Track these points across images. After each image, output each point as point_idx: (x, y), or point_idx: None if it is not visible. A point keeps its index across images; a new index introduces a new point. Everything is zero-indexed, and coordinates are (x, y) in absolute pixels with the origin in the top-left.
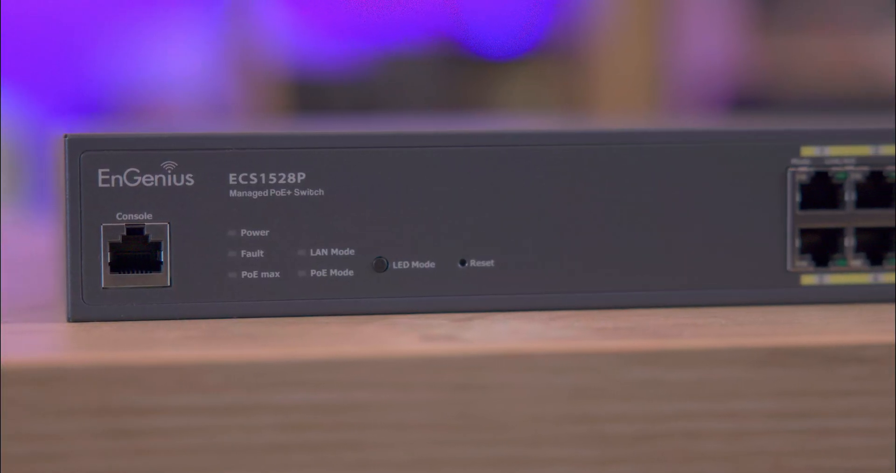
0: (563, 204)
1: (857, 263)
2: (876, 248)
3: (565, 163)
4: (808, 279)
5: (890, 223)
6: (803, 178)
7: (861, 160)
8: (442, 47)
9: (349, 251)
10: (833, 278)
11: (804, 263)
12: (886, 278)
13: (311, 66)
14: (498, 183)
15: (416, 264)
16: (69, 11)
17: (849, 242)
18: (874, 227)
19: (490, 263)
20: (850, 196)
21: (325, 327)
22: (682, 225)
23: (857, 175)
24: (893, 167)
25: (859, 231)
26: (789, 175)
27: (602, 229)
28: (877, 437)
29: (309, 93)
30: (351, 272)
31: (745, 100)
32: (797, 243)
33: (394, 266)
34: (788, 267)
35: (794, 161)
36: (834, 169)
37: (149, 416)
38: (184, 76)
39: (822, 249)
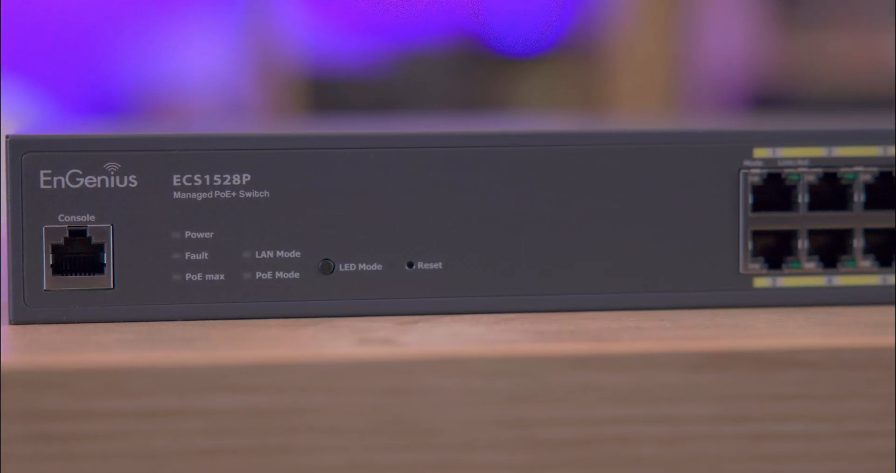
0: (513, 206)
1: (810, 265)
2: (830, 250)
3: (514, 164)
4: (761, 282)
5: (844, 225)
6: (755, 179)
7: (814, 162)
8: (461, 45)
9: (295, 253)
10: (786, 281)
11: (757, 265)
12: (841, 280)
13: (329, 64)
14: (446, 185)
15: (363, 266)
16: (87, 10)
17: (802, 244)
18: (828, 229)
19: (438, 265)
20: (802, 198)
21: (265, 330)
22: (634, 227)
23: (811, 177)
24: (848, 169)
25: (813, 233)
26: (741, 177)
27: (552, 231)
28: (815, 442)
29: (327, 91)
30: (297, 275)
31: (764, 98)
32: (749, 245)
33: (340, 268)
34: (741, 270)
35: (747, 163)
36: (787, 171)
37: (77, 421)
38: (202, 75)
39: (776, 251)
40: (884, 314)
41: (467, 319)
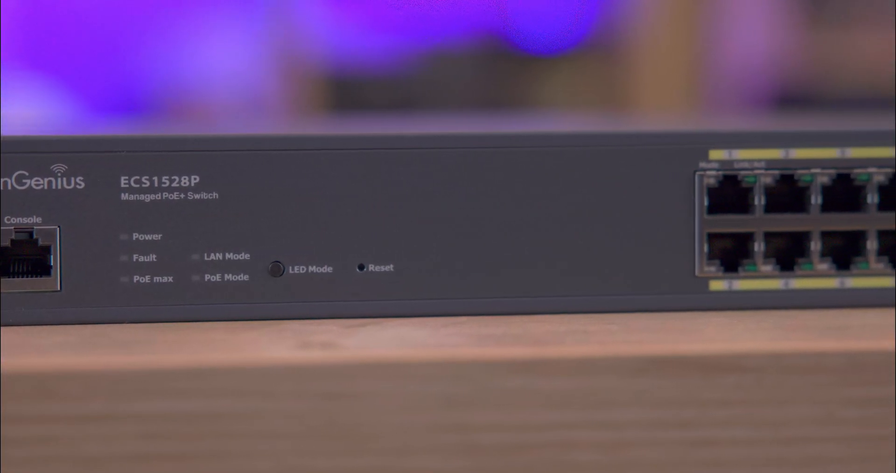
0: (465, 208)
1: (767, 268)
2: (788, 253)
3: (467, 166)
4: (717, 285)
5: (802, 228)
6: (711, 181)
7: (771, 164)
8: (484, 43)
9: (244, 256)
10: (743, 284)
11: (712, 268)
12: (798, 283)
13: (351, 62)
14: (398, 187)
15: (313, 268)
16: (111, 10)
17: (758, 247)
18: (785, 231)
19: (389, 268)
20: (759, 200)
21: (209, 333)
22: (589, 230)
23: (767, 179)
24: (805, 171)
25: (770, 236)
26: (697, 179)
27: (505, 233)
28: (757, 448)
29: (349, 90)
30: (246, 277)
31: (789, 97)
32: (705, 248)
33: (290, 271)
34: (696, 272)
35: (702, 165)
36: (743, 173)
37: (7, 425)
38: (225, 74)
39: (733, 254)
40: (840, 317)
41: (416, 322)
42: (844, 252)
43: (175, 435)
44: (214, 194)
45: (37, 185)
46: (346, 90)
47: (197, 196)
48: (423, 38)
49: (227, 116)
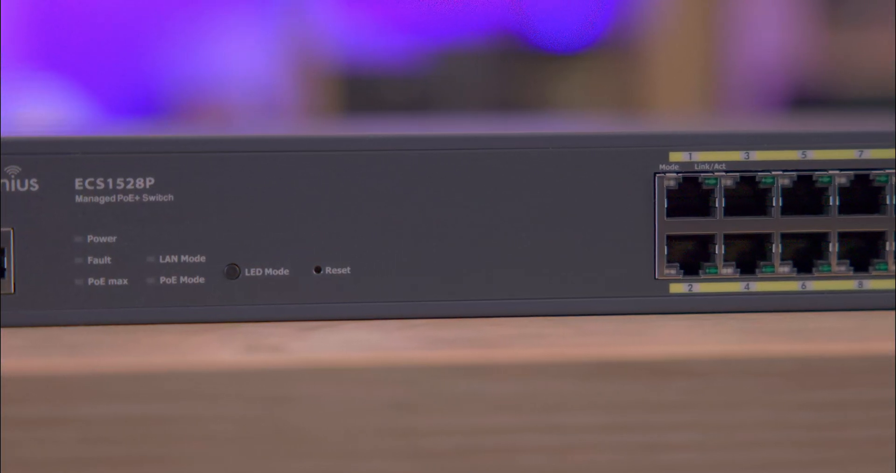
0: (423, 210)
1: (727, 271)
2: (749, 256)
3: (425, 168)
4: (677, 288)
5: (763, 230)
6: (671, 184)
7: (731, 166)
8: (500, 41)
9: (200, 258)
10: (703, 287)
11: (672, 271)
12: (759, 286)
13: (366, 62)
14: (355, 188)
15: (269, 271)
16: (126, 11)
17: (718, 249)
18: (746, 234)
19: (346, 270)
20: (719, 203)
21: (159, 336)
22: (549, 232)
23: (728, 181)
24: (766, 173)
25: (731, 239)
26: (656, 181)
27: (463, 235)
28: (708, 452)
29: (364, 89)
30: (202, 280)
31: (806, 98)
32: (665, 250)
33: (246, 273)
34: (656, 275)
35: (662, 167)
36: (703, 175)
37: None
38: (240, 73)
39: (694, 256)
40: (800, 321)
41: (371, 325)
42: (806, 255)
43: (118, 440)
44: (170, 196)
45: None
46: (361, 90)
47: (152, 198)
48: (438, 38)
49: (242, 117)
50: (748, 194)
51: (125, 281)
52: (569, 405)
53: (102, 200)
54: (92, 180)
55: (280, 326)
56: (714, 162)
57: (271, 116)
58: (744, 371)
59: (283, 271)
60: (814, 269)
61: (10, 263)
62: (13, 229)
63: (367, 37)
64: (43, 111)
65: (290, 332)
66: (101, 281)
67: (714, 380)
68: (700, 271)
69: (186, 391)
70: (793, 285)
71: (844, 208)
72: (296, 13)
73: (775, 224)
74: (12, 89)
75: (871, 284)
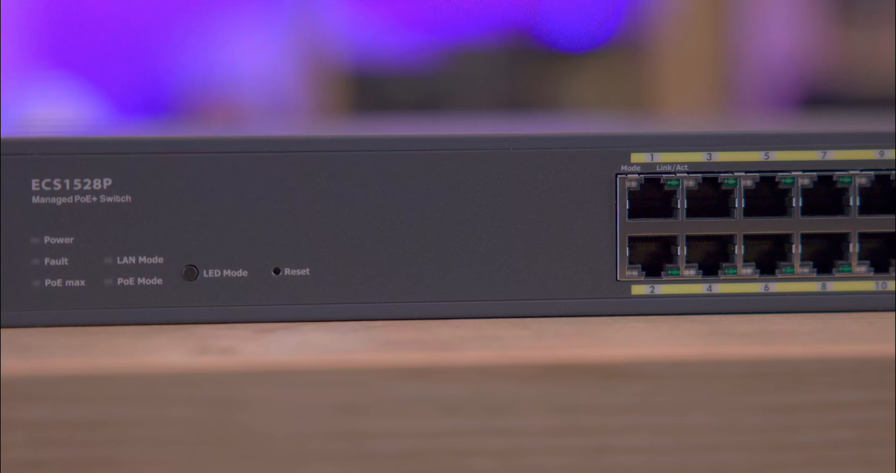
0: (383, 212)
1: (690, 273)
2: (712, 257)
3: (383, 169)
4: (639, 290)
5: (725, 232)
6: (633, 185)
7: (694, 167)
8: (511, 40)
9: (158, 259)
10: (665, 289)
11: (634, 273)
12: (722, 288)
13: (376, 60)
14: (314, 190)
15: (227, 272)
16: (136, 11)
17: (681, 251)
18: (708, 235)
19: (305, 272)
20: (681, 204)
21: (113, 338)
22: (510, 233)
23: (690, 182)
24: (729, 174)
25: (694, 240)
26: (618, 182)
27: (423, 237)
28: (657, 455)
29: (374, 88)
30: (160, 281)
31: (818, 96)
32: (626, 252)
33: (205, 275)
34: (618, 277)
35: (624, 167)
36: (665, 176)
37: None
38: (250, 72)
39: (656, 258)
40: (762, 322)
41: (329, 327)
42: (770, 257)
43: (66, 443)
44: (127, 197)
45: None
46: (372, 89)
47: (109, 199)
48: (449, 36)
49: (251, 116)
50: (711, 195)
51: (82, 282)
52: (517, 408)
53: (60, 201)
54: (49, 180)
55: (238, 328)
56: (676, 163)
57: (281, 116)
58: (694, 374)
59: (241, 273)
60: (777, 271)
61: None
62: None
63: (378, 35)
64: (55, 111)
65: (246, 334)
66: (59, 282)
67: (664, 383)
68: (662, 273)
69: (135, 394)
70: (755, 287)
71: (808, 209)
72: (305, 12)
73: (738, 226)
74: (26, 89)
75: (835, 285)
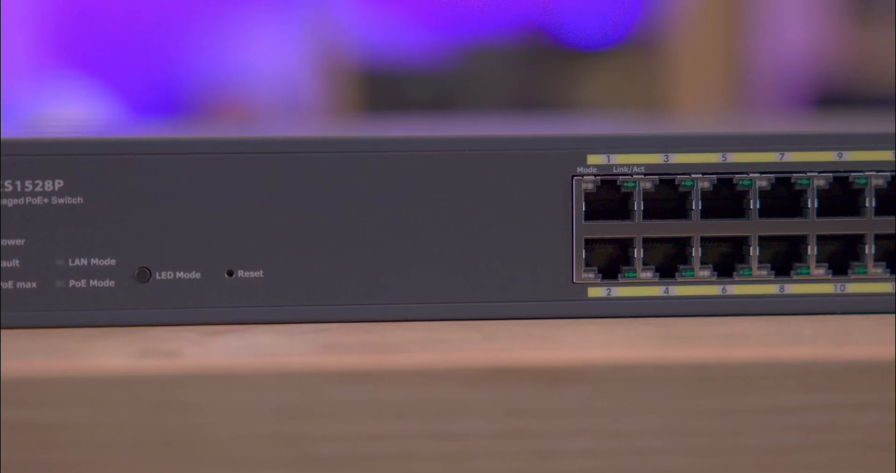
0: (337, 213)
1: (647, 275)
2: (670, 260)
3: (339, 170)
4: (595, 292)
5: (682, 233)
6: (589, 187)
7: (650, 168)
8: (525, 38)
9: (110, 261)
10: (622, 291)
11: (590, 275)
12: (679, 291)
13: (391, 59)
14: (267, 191)
15: (180, 274)
16: (148, 10)
17: (637, 253)
18: (665, 237)
19: (259, 273)
20: (638, 206)
21: (61, 341)
22: (466, 235)
23: (647, 184)
24: (686, 176)
25: (652, 242)
26: (574, 184)
27: (377, 238)
28: (602, 459)
29: (388, 87)
30: (112, 283)
31: (834, 96)
32: (583, 254)
33: (157, 277)
34: (574, 279)
35: (580, 169)
36: (622, 178)
37: None
38: (263, 71)
39: (614, 260)
40: (717, 326)
41: (280, 330)
42: (728, 259)
43: (6, 446)
44: (79, 198)
45: None
46: (385, 87)
47: (61, 201)
48: (463, 34)
49: (265, 115)
50: (669, 196)
51: (34, 284)
52: (460, 412)
53: (11, 202)
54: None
55: (189, 330)
56: (633, 165)
57: (294, 115)
58: (640, 378)
59: (194, 275)
60: (734, 273)
61: None
62: None
63: (392, 33)
64: (67, 111)
65: (196, 336)
66: (10, 284)
67: (609, 387)
68: (619, 276)
69: (76, 397)
70: (713, 290)
71: (765, 212)
72: (319, 10)
73: (695, 228)
74: (41, 89)
75: (793, 288)
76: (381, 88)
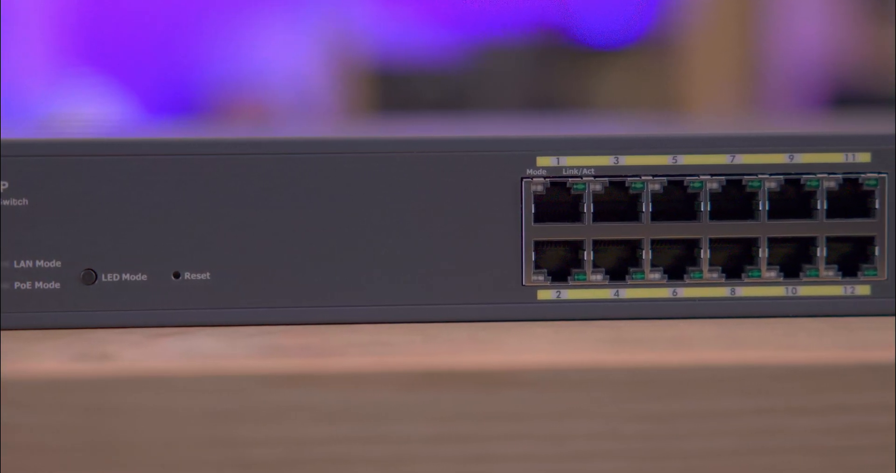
0: (286, 215)
1: (596, 278)
2: (619, 262)
3: (284, 172)
4: (545, 295)
5: (632, 236)
6: (538, 189)
7: (600, 171)
8: (539, 37)
9: (55, 263)
10: (571, 294)
11: (540, 277)
12: (629, 293)
13: (403, 58)
14: (215, 193)
15: (126, 276)
16: (163, 11)
17: (587, 256)
18: (615, 240)
19: (206, 276)
20: (587, 208)
21: (3, 343)
22: (415, 238)
23: (597, 186)
24: (636, 178)
25: (602, 245)
26: (523, 186)
27: (325, 241)
28: (537, 463)
29: (401, 86)
30: (57, 285)
31: (849, 95)
32: (532, 256)
33: (103, 279)
34: (524, 282)
35: (529, 171)
36: (571, 180)
37: None
38: (277, 70)
39: (566, 263)
40: (665, 328)
41: (225, 332)
42: (679, 261)
43: None
44: (24, 200)
45: None
46: (398, 86)
47: (6, 202)
48: (477, 33)
49: (279, 115)
50: (619, 199)
51: None
52: (395, 416)
53: None
54: None
55: (132, 333)
56: (582, 167)
57: (308, 114)
58: (575, 381)
59: (140, 277)
60: (685, 276)
61: None
62: None
63: (405, 33)
64: (82, 110)
65: (138, 339)
66: None
67: (544, 391)
68: (569, 278)
69: (8, 400)
70: (663, 292)
71: (716, 214)
72: (333, 9)
73: (646, 230)
74: (55, 88)
75: (743, 291)
76: (394, 88)
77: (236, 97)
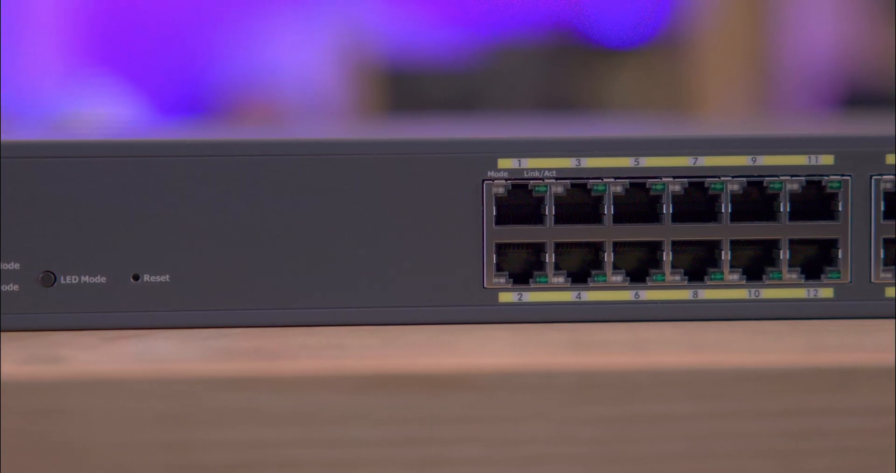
0: (245, 218)
1: (558, 280)
2: (582, 265)
3: (245, 174)
4: (506, 297)
5: (593, 238)
6: (500, 191)
7: (562, 173)
8: (552, 37)
9: (13, 265)
10: (533, 297)
11: (501, 280)
12: (591, 296)
13: (415, 57)
14: (174, 195)
15: (85, 278)
16: (175, 11)
17: (549, 258)
18: (577, 242)
19: (165, 278)
20: (549, 210)
21: None
22: (375, 240)
23: (558, 189)
24: (598, 181)
25: (563, 247)
26: (485, 188)
27: (285, 243)
28: (489, 467)
29: (412, 86)
30: (16, 287)
31: (860, 96)
32: (493, 259)
33: (62, 281)
34: (485, 284)
35: (491, 173)
36: (533, 182)
37: None
38: (288, 71)
39: (528, 265)
40: (626, 332)
41: (182, 335)
42: (642, 264)
43: None
44: None
45: None
46: (410, 86)
47: None
48: (489, 33)
49: (290, 115)
50: (581, 201)
51: None
52: (346, 419)
53: None
54: None
55: (89, 335)
56: (544, 169)
57: (321, 115)
58: (526, 385)
59: (99, 279)
60: (648, 279)
61: None
62: None
63: (417, 32)
64: (94, 110)
65: (93, 342)
66: None
67: (496, 393)
68: (531, 281)
69: None
70: (625, 295)
71: (678, 216)
72: (344, 9)
73: (608, 233)
74: (67, 88)
75: (706, 294)
76: (405, 88)
77: (249, 98)
